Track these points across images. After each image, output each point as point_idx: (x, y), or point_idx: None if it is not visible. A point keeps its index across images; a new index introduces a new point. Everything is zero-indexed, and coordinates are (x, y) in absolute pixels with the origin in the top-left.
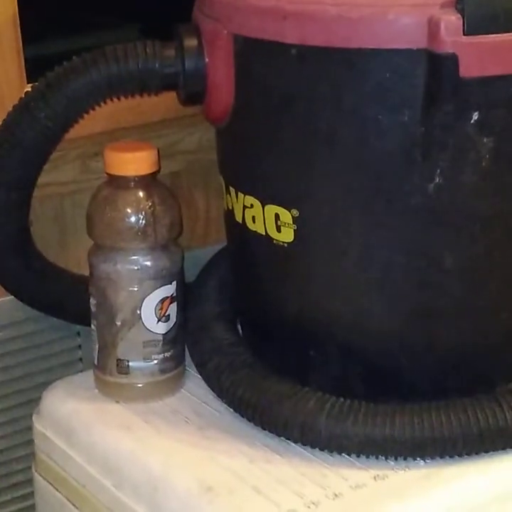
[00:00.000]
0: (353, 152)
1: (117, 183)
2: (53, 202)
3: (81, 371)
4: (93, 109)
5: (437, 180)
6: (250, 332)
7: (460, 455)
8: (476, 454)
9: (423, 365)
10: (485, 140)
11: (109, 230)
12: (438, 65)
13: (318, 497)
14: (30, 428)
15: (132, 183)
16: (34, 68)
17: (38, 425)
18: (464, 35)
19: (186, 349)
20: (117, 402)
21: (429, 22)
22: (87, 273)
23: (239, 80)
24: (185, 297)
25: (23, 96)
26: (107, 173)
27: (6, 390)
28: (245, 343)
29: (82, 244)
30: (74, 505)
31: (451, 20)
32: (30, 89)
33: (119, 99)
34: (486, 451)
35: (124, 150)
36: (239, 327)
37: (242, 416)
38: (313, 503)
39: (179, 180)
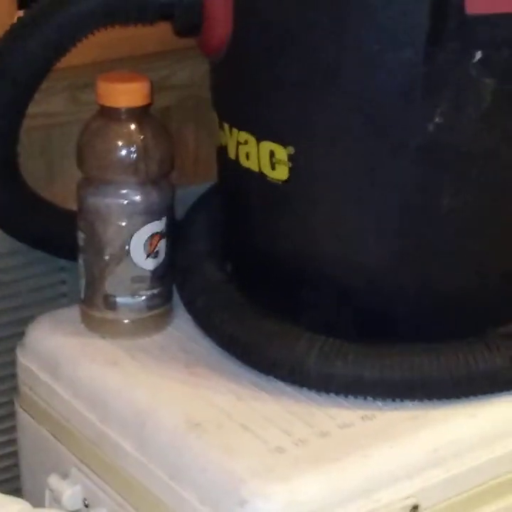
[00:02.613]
0: (353, 89)
1: (109, 114)
2: (41, 133)
3: (65, 306)
4: (86, 37)
5: (437, 120)
6: (241, 271)
7: (448, 398)
8: (465, 397)
9: (414, 308)
10: (487, 81)
11: (99, 163)
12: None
13: (306, 435)
14: (13, 362)
15: (124, 115)
16: None
17: (23, 359)
18: None
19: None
20: (104, 337)
21: None
22: (74, 207)
23: (237, 12)
24: (175, 234)
25: (14, 22)
26: (99, 104)
27: None
28: (235, 282)
29: (69, 177)
30: (58, 440)
31: None
32: (21, 15)
33: (113, 27)
34: (474, 395)
35: (118, 80)
36: (228, 266)
37: (231, 354)
38: (301, 441)
39: (169, 115)
